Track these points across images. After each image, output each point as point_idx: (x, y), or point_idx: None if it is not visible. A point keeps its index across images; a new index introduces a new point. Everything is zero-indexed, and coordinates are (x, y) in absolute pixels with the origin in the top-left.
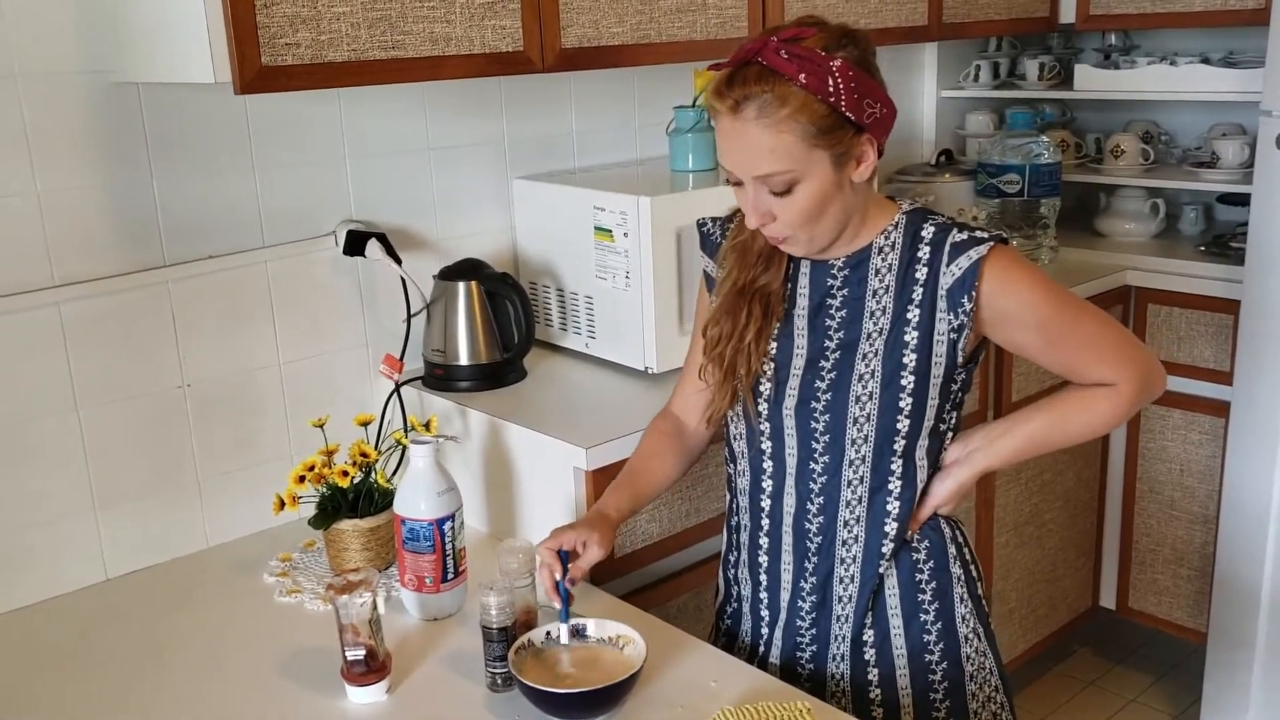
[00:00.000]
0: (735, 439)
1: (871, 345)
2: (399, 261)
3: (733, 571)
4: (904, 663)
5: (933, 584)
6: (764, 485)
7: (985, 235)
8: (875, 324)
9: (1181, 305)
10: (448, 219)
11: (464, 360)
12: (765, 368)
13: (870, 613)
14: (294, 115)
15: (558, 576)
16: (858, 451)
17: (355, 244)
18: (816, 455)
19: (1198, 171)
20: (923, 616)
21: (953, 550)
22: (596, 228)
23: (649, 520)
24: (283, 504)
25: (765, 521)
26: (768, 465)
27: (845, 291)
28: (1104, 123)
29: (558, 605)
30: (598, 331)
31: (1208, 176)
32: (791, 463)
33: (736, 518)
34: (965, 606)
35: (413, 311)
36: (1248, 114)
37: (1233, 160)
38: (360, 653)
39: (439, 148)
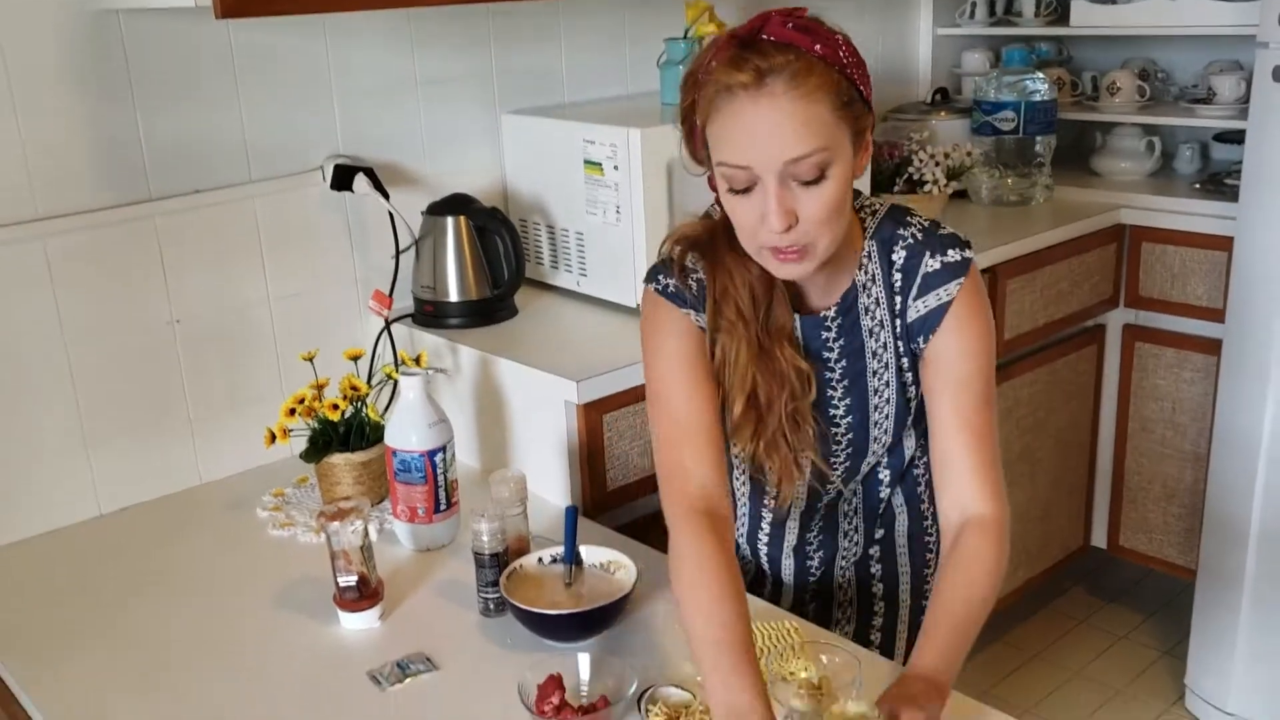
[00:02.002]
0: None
1: (879, 380)
2: (387, 196)
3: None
4: (907, 595)
5: (935, 525)
6: (758, 539)
7: (957, 260)
8: (880, 362)
9: (1175, 243)
10: (436, 154)
11: (454, 297)
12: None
13: (878, 545)
14: (278, 47)
15: None
16: (871, 470)
17: (343, 179)
18: (836, 465)
19: (1194, 108)
20: (928, 555)
21: None
22: (586, 161)
23: (640, 455)
24: (273, 437)
25: (767, 515)
26: (766, 510)
27: (841, 342)
28: (1101, 60)
29: None
30: (589, 269)
31: (1204, 113)
32: (803, 500)
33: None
34: None
35: (402, 247)
36: (1245, 50)
37: (1229, 96)
38: (352, 579)
39: (427, 81)
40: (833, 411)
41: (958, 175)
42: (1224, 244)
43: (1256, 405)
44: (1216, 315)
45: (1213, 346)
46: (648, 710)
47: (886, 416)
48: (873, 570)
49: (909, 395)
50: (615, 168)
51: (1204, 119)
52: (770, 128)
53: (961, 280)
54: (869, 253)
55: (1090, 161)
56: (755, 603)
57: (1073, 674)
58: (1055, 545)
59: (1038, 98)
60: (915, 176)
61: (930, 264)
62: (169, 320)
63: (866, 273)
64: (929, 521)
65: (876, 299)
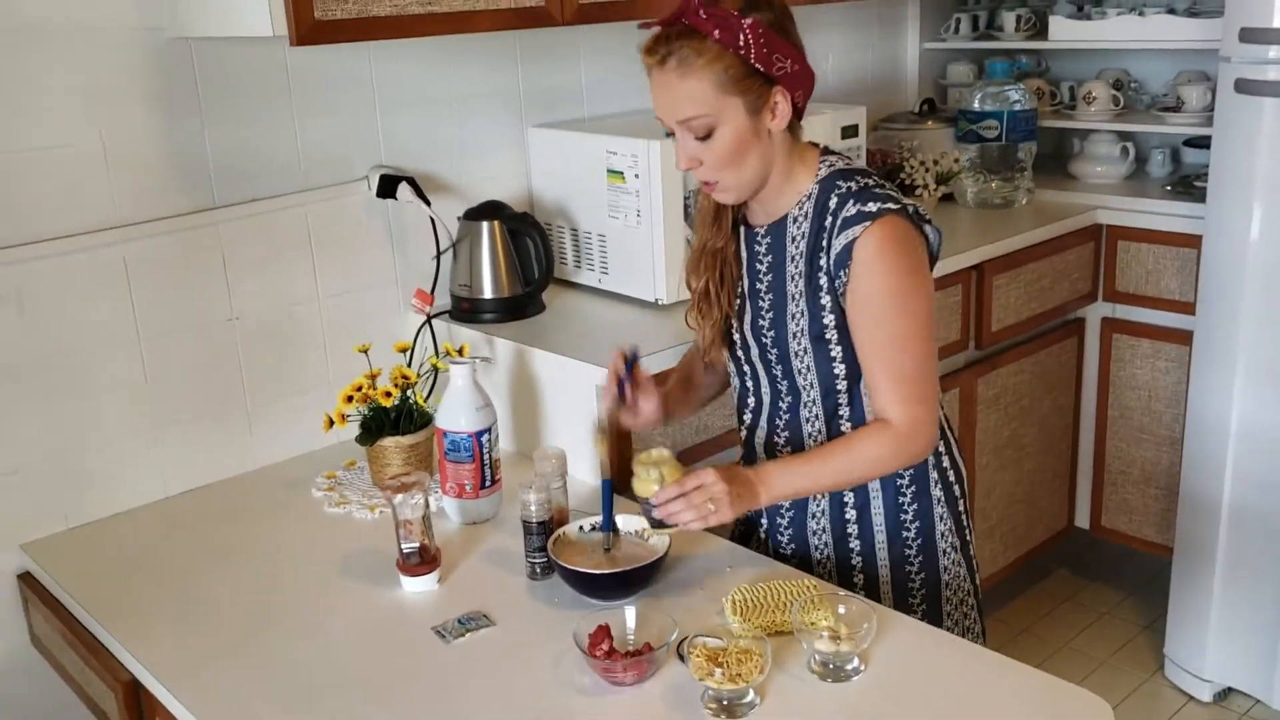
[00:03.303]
0: (734, 387)
1: (797, 305)
2: (428, 203)
3: None
4: (886, 573)
5: (914, 506)
6: (745, 417)
7: (874, 210)
8: (796, 286)
9: (1149, 241)
10: (468, 164)
11: (488, 294)
12: (733, 320)
13: (856, 525)
14: (329, 68)
15: (621, 374)
16: (809, 394)
17: (387, 187)
18: (782, 395)
19: (1164, 116)
20: (905, 534)
21: (934, 475)
22: (609, 170)
23: (662, 437)
24: (332, 422)
25: (743, 451)
26: (750, 400)
27: (770, 258)
28: (1077, 71)
29: (607, 404)
30: (610, 267)
31: (1173, 120)
32: (767, 397)
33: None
34: (945, 524)
35: (441, 249)
36: (1210, 61)
37: (1196, 105)
38: (415, 545)
39: (460, 98)
40: (761, 322)
41: (946, 180)
42: (1194, 242)
43: (1225, 392)
44: (1188, 308)
45: (1185, 337)
46: (689, 653)
47: (801, 330)
48: (851, 547)
49: (824, 320)
50: (636, 176)
51: (1174, 126)
52: (664, 95)
53: (868, 224)
54: (810, 194)
55: (1068, 166)
56: (776, 566)
57: (1058, 648)
58: (1040, 526)
59: (1019, 107)
60: (907, 181)
61: (849, 210)
62: (229, 318)
63: (801, 209)
64: (908, 515)
65: (804, 232)
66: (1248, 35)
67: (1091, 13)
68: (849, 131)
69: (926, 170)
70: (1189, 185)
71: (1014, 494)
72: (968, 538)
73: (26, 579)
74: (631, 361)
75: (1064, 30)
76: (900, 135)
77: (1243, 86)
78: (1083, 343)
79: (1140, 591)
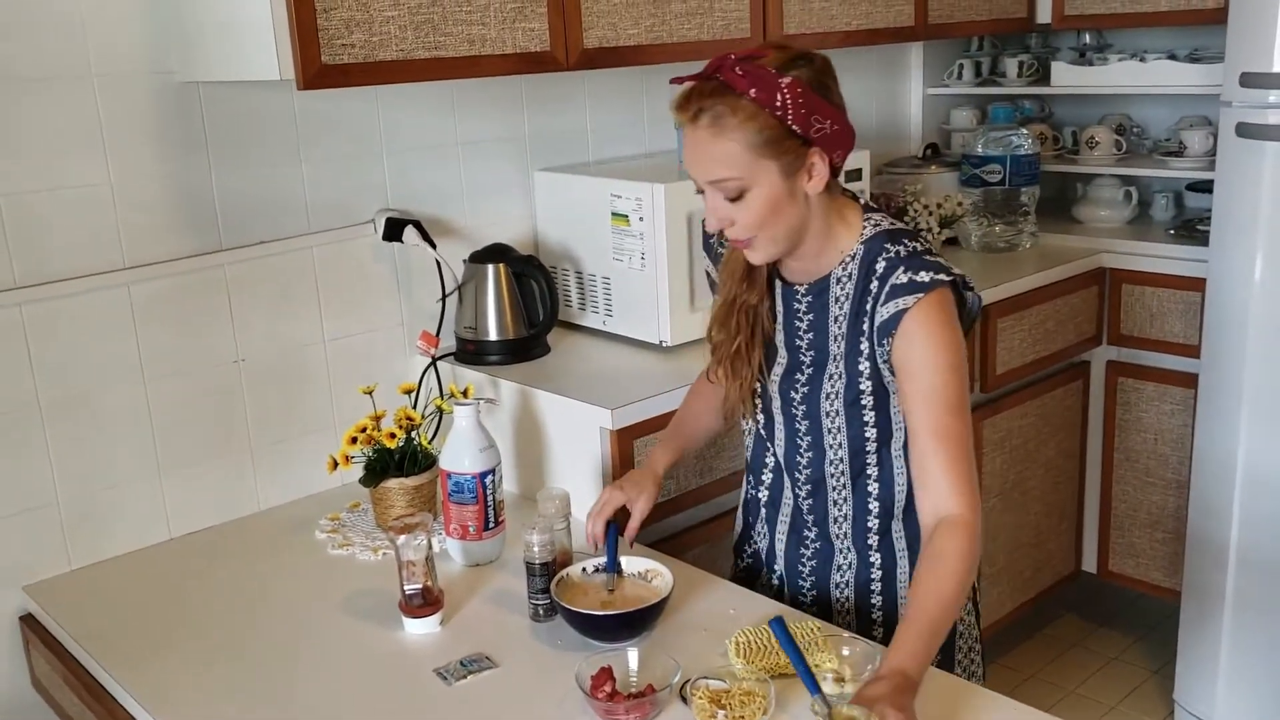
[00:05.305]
0: (744, 429)
1: (836, 366)
2: (434, 246)
3: (753, 517)
4: None
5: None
6: (764, 477)
7: (926, 280)
8: (838, 347)
9: (1153, 285)
10: (474, 208)
11: (493, 336)
12: (760, 373)
13: (880, 582)
14: (336, 112)
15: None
16: (835, 454)
17: (393, 230)
18: (801, 451)
19: (1167, 160)
20: None
21: None
22: (613, 213)
23: (668, 478)
24: (336, 464)
25: (765, 495)
26: (769, 460)
27: (810, 316)
28: (1079, 116)
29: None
30: (615, 309)
31: (1176, 165)
32: (781, 452)
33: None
34: None
35: (447, 292)
36: (1212, 106)
37: (1199, 149)
38: (417, 586)
39: (466, 142)
40: (798, 377)
41: (950, 224)
42: (1197, 285)
43: (1231, 434)
44: (1192, 351)
45: (1190, 380)
46: (692, 695)
47: (837, 393)
48: (874, 603)
49: (860, 385)
50: (641, 219)
51: (1176, 170)
52: (695, 154)
53: (920, 296)
54: (855, 254)
55: (1072, 210)
56: (779, 608)
57: (1066, 694)
58: (1048, 571)
59: (1022, 152)
60: (910, 225)
61: (900, 277)
62: (235, 359)
63: (845, 269)
64: None
65: (848, 294)
66: (1248, 80)
67: (1093, 59)
68: (852, 176)
69: (930, 214)
70: (1192, 229)
71: (1020, 538)
72: (974, 585)
73: (28, 620)
74: (612, 538)
75: (1066, 76)
76: (904, 179)
77: (1244, 131)
78: (1088, 386)
79: (1148, 636)
